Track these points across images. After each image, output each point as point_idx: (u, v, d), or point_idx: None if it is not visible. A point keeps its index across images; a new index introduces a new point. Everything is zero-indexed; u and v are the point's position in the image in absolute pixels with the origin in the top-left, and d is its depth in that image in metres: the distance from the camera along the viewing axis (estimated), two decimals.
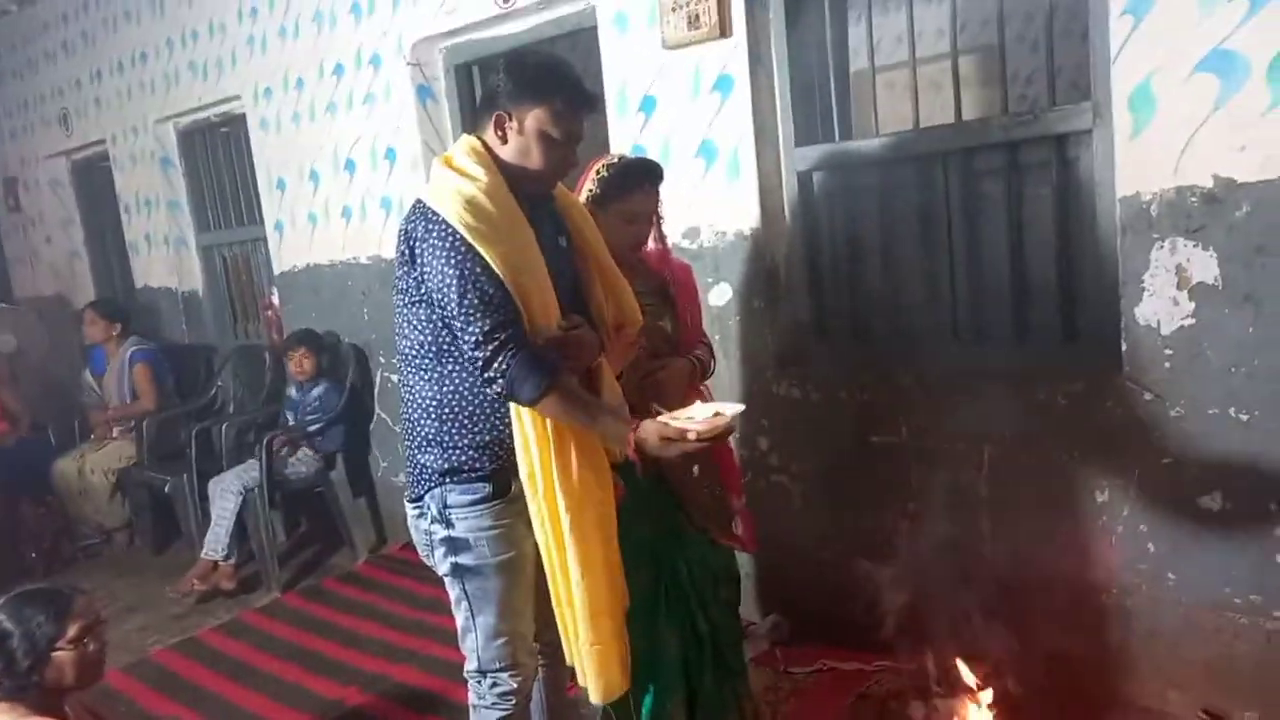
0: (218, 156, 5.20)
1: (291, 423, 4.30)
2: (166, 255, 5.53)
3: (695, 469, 2.22)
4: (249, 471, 4.06)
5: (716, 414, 1.80)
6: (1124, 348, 2.37)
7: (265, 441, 4.05)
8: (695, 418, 1.79)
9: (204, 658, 3.49)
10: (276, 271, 4.79)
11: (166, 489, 4.47)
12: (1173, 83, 2.18)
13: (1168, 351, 2.29)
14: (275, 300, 4.92)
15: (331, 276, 4.47)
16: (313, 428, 4.22)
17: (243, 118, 4.74)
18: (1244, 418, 2.21)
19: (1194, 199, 2.20)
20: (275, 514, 4.25)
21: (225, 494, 4.01)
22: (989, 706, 2.26)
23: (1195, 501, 2.31)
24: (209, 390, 5.00)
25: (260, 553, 4.11)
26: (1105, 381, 2.40)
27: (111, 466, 4.80)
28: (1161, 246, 2.26)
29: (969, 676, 2.31)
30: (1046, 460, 2.52)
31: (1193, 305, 2.24)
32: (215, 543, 4.02)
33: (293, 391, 4.37)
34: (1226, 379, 2.22)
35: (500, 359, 1.76)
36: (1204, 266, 2.21)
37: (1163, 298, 2.28)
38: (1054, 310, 2.57)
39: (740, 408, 1.85)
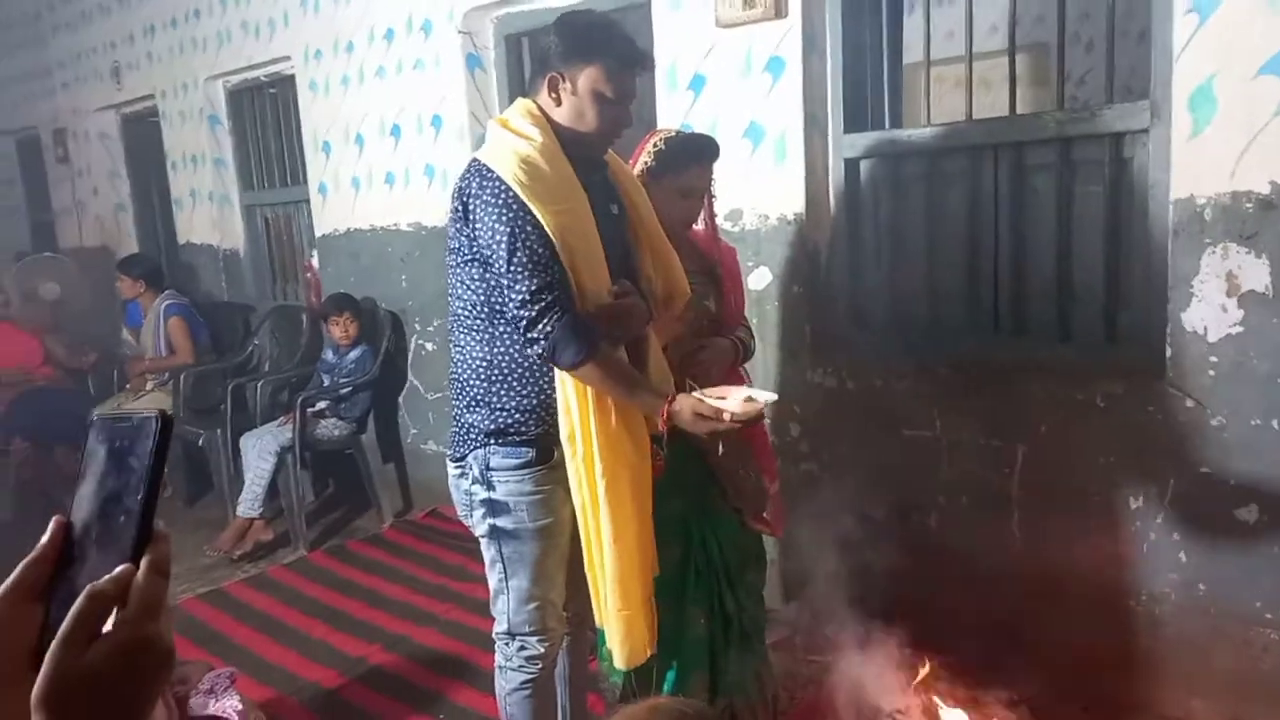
0: (265, 117, 5.25)
1: (326, 384, 4.35)
2: (210, 212, 5.59)
3: (720, 448, 2.23)
4: (283, 431, 4.12)
5: (748, 399, 1.83)
6: (1168, 352, 2.33)
7: (299, 402, 4.11)
8: (728, 399, 1.81)
9: (231, 609, 3.56)
10: (318, 234, 4.83)
11: (200, 443, 4.53)
12: (1236, 84, 2.14)
13: (1213, 359, 2.26)
14: (315, 263, 4.96)
15: (372, 241, 4.50)
16: (344, 391, 4.27)
17: (291, 79, 4.78)
18: None
19: (1249, 204, 2.16)
20: (305, 474, 4.30)
21: (263, 455, 4.06)
22: (1010, 708, 2.26)
23: (1231, 513, 2.29)
24: (245, 348, 5.07)
25: (289, 511, 4.18)
26: (1146, 385, 2.38)
27: None
28: (1213, 251, 2.22)
29: (989, 680, 2.31)
30: (1081, 462, 2.50)
31: (1241, 313, 2.21)
32: (252, 501, 4.08)
33: (329, 355, 4.42)
34: (1272, 390, 2.19)
35: (545, 321, 1.77)
36: (1255, 274, 2.18)
37: (1211, 304, 2.25)
38: (1098, 310, 2.54)
39: (773, 396, 1.93)
